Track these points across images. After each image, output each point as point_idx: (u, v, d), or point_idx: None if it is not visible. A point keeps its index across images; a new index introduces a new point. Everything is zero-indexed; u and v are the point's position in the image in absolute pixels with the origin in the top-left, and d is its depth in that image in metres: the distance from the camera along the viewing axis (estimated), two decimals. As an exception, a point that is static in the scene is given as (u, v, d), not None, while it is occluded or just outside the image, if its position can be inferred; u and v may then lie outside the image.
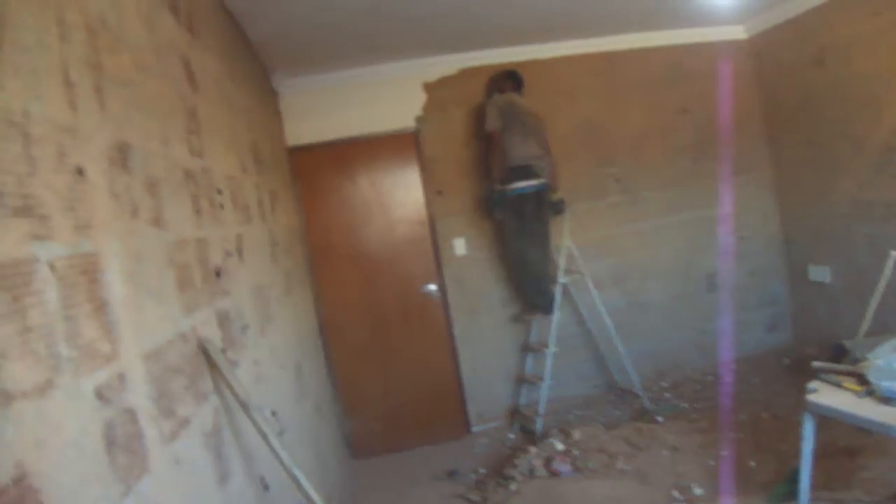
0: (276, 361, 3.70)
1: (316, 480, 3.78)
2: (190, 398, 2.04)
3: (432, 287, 6.36)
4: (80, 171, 1.56)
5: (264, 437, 2.24)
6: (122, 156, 1.86)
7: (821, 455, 4.07)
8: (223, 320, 2.62)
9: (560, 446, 5.31)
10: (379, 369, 6.35)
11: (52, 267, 1.34)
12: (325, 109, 6.09)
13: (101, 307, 1.53)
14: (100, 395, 1.44)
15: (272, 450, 2.24)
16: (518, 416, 6.38)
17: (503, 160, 5.82)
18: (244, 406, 2.22)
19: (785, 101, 6.41)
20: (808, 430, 3.41)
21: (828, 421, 3.53)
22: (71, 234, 1.46)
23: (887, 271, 4.06)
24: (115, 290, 1.63)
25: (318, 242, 6.20)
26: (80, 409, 1.35)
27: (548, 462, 5.16)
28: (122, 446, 1.49)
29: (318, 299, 6.18)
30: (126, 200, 1.83)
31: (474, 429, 6.44)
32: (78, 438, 1.31)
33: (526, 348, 6.47)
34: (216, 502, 2.09)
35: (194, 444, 2.00)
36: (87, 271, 1.50)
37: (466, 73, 6.28)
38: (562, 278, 6.03)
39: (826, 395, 3.35)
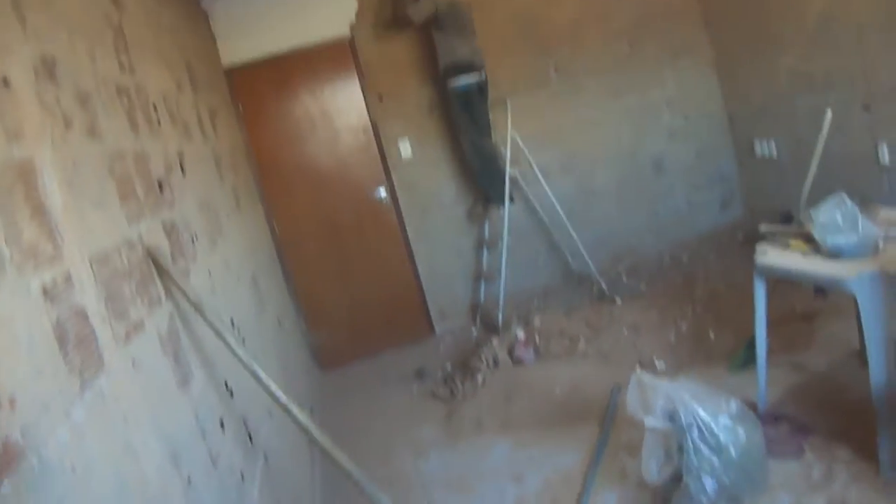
0: (231, 273, 3.74)
1: (282, 386, 3.86)
2: (141, 302, 2.08)
3: (382, 192, 6.37)
4: (5, 82, 1.57)
5: (219, 334, 2.28)
6: (47, 68, 1.87)
7: (779, 322, 4.21)
8: (170, 231, 2.64)
9: (521, 334, 5.45)
10: (338, 280, 6.41)
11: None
12: (257, 26, 5.94)
13: (40, 210, 1.56)
14: (46, 293, 1.48)
15: (229, 348, 2.28)
16: (479, 312, 6.50)
17: (447, 56, 5.79)
18: (197, 307, 2.25)
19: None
20: (760, 292, 3.49)
21: (783, 288, 3.57)
22: (3, 141, 1.47)
23: (825, 130, 4.09)
24: (54, 196, 1.65)
25: (264, 160, 6.15)
26: (27, 305, 1.40)
27: (511, 350, 5.31)
28: (76, 344, 1.55)
29: (270, 215, 6.18)
30: (56, 111, 1.85)
31: (438, 329, 6.56)
32: (28, 333, 1.36)
33: (481, 244, 6.53)
34: (179, 403, 2.15)
35: (151, 347, 2.05)
36: (23, 176, 1.52)
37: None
38: (510, 169, 6.06)
39: (775, 257, 3.41)
